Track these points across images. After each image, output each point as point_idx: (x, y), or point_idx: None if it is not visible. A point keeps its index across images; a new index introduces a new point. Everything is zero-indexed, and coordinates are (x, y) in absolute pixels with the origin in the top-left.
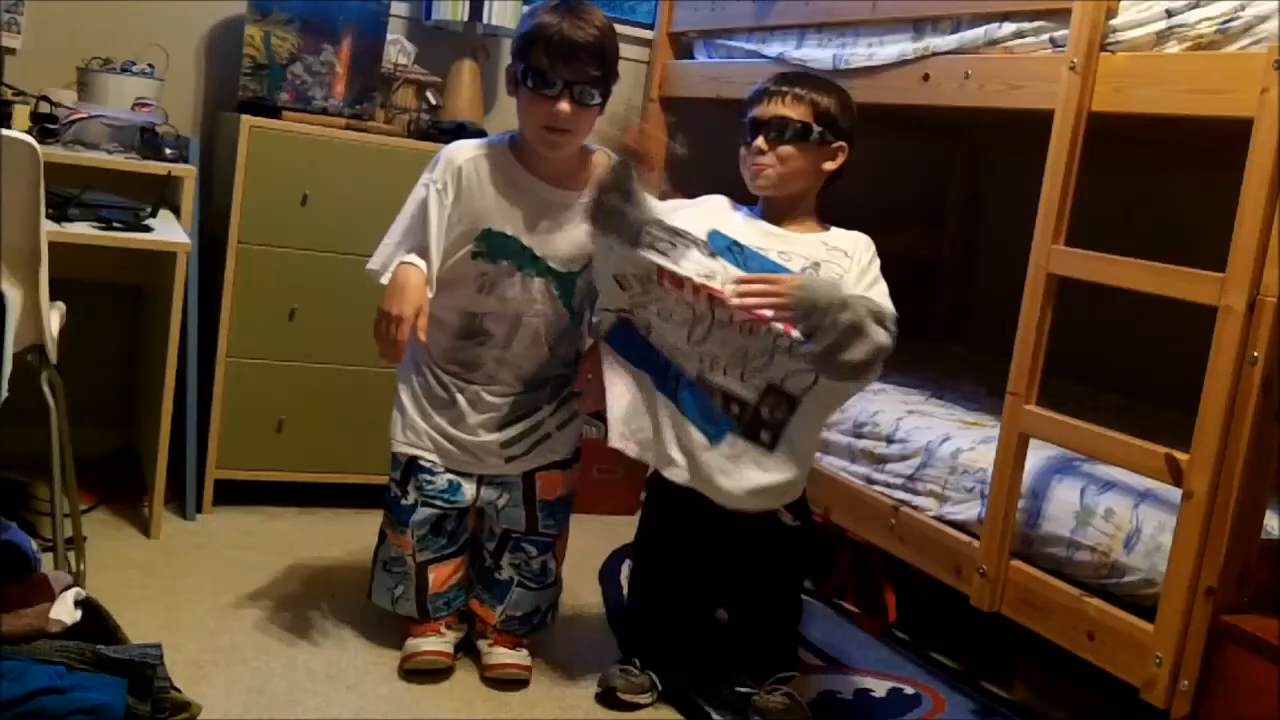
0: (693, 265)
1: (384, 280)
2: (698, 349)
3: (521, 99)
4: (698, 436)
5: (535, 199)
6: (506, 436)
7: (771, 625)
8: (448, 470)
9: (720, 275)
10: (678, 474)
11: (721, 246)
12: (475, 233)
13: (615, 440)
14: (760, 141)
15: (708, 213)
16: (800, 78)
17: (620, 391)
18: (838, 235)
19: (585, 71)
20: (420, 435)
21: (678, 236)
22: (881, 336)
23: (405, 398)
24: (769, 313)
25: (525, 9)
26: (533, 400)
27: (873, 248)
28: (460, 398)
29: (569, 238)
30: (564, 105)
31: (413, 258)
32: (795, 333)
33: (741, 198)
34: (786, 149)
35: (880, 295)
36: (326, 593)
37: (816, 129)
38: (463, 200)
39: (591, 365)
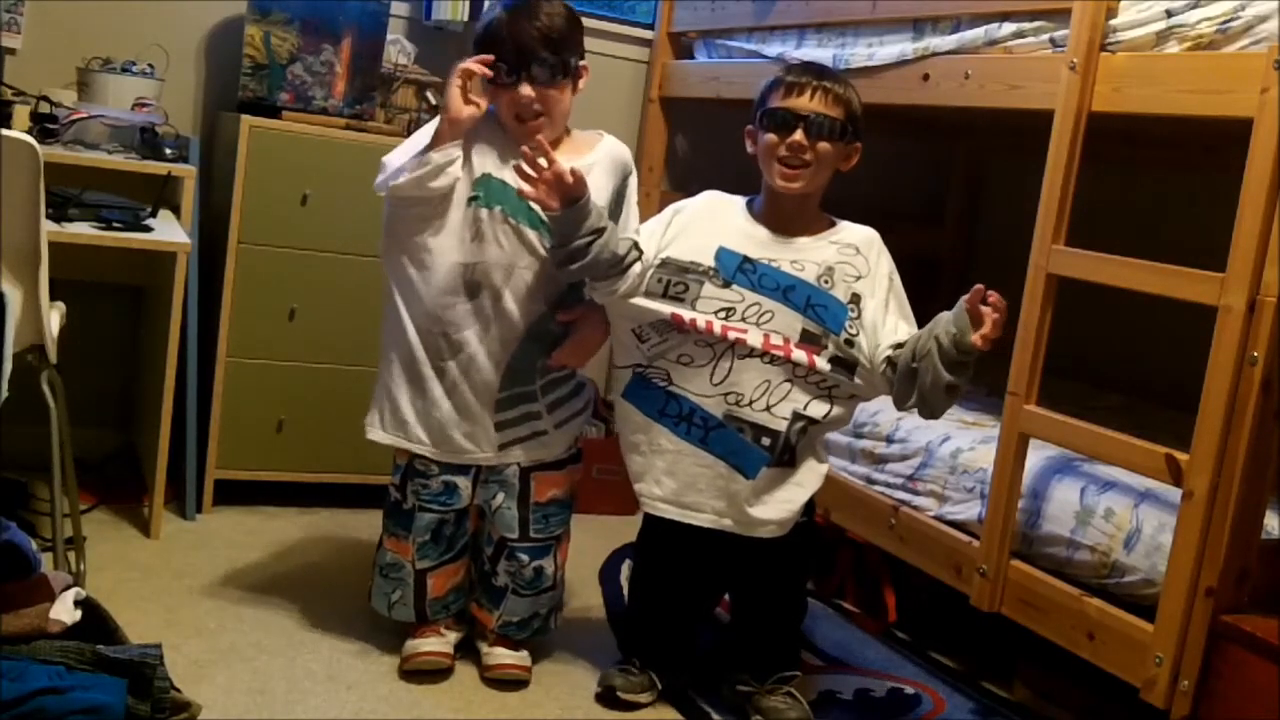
0: (709, 303)
1: (397, 181)
2: (721, 389)
3: (490, 95)
4: (734, 475)
5: None
6: (503, 418)
7: (774, 624)
8: (442, 472)
9: (740, 306)
10: (712, 521)
11: (732, 268)
12: (474, 177)
13: (651, 510)
14: (800, 135)
15: (709, 223)
16: (826, 72)
17: (640, 456)
18: (846, 230)
19: (539, 56)
20: (410, 425)
21: (687, 274)
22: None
23: (391, 373)
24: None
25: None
26: (527, 364)
27: (885, 249)
28: (453, 364)
29: None
30: (525, 90)
31: None
32: (820, 361)
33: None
34: (825, 146)
35: (902, 300)
36: (326, 593)
37: (850, 129)
38: (466, 142)
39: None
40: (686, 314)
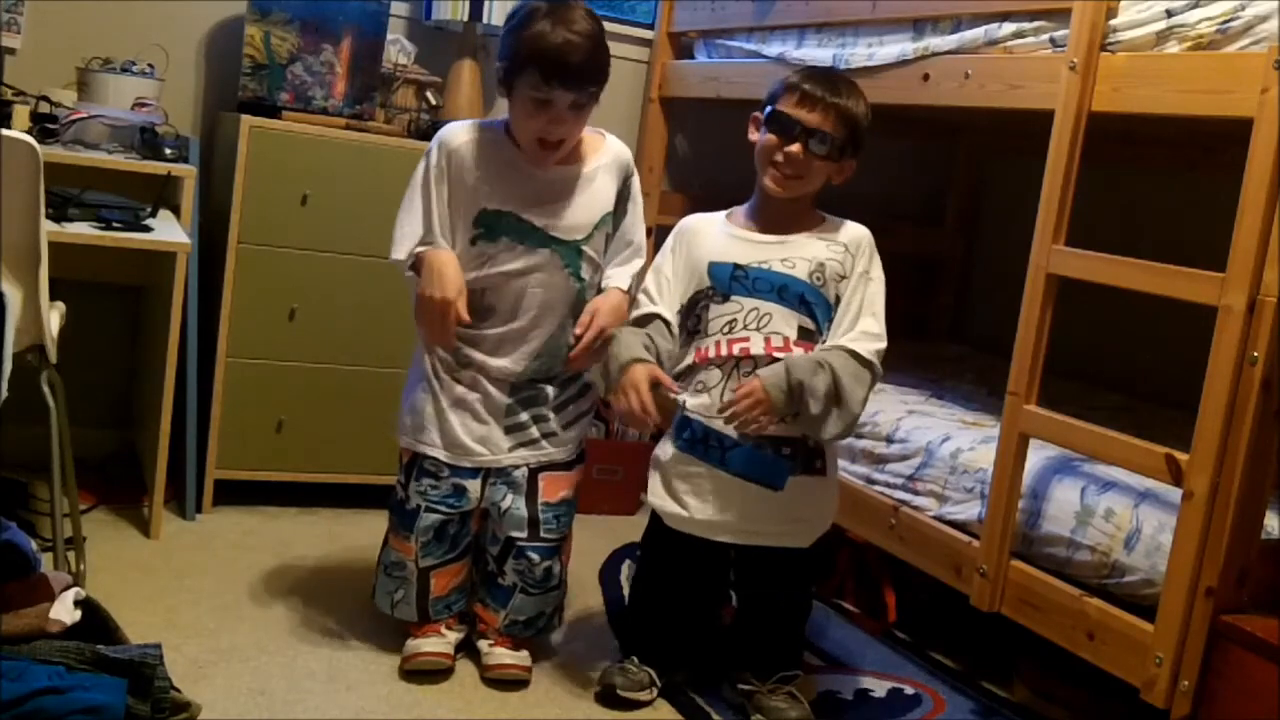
0: (715, 322)
1: (396, 256)
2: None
3: (515, 108)
4: (760, 491)
5: (530, 176)
6: (513, 421)
7: (777, 624)
8: (452, 475)
9: (740, 315)
10: (733, 538)
11: (726, 279)
12: (472, 215)
13: (677, 527)
14: (798, 148)
15: (695, 245)
16: (842, 88)
17: (662, 476)
18: (835, 227)
19: (584, 88)
20: (426, 429)
21: (696, 305)
22: (856, 400)
23: (414, 381)
24: (768, 424)
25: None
26: (539, 377)
27: (873, 244)
28: (465, 374)
29: (569, 208)
30: (562, 120)
31: (437, 240)
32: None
33: (732, 199)
34: (820, 163)
35: (872, 297)
36: (326, 593)
37: (849, 146)
38: (456, 183)
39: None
40: (702, 345)
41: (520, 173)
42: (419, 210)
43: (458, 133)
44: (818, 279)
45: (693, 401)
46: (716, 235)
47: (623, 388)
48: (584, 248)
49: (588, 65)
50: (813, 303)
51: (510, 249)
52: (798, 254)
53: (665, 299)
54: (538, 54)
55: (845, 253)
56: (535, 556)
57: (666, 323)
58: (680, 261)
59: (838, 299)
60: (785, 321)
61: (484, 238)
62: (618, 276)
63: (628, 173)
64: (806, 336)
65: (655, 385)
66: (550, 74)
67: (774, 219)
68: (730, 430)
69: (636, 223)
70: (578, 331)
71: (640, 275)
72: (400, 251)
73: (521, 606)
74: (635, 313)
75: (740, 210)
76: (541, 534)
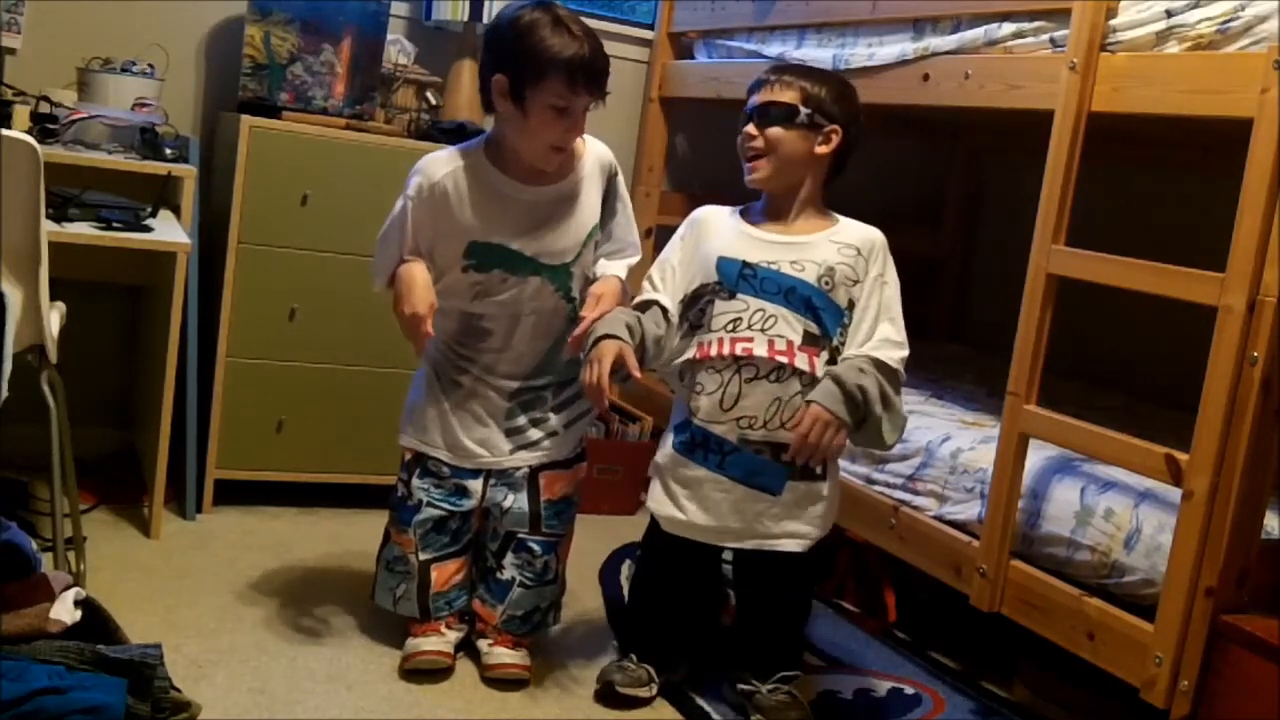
0: (720, 319)
1: (378, 285)
2: (733, 414)
3: (529, 119)
4: (759, 496)
5: (516, 202)
6: (513, 424)
7: (777, 625)
8: (454, 475)
9: (745, 314)
10: (734, 542)
11: (734, 276)
12: (462, 247)
13: (673, 531)
14: (750, 126)
15: (705, 238)
16: (792, 66)
17: (661, 481)
18: (848, 229)
19: (603, 90)
20: (428, 430)
21: (700, 298)
22: (900, 405)
23: (419, 382)
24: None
25: (501, 13)
26: (538, 384)
27: (886, 247)
28: (466, 379)
29: (556, 231)
30: (577, 125)
31: (412, 258)
32: (819, 365)
33: (732, 200)
34: (774, 131)
35: (888, 302)
36: (326, 593)
37: (804, 111)
38: (442, 218)
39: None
40: (705, 341)
41: (505, 200)
42: (395, 244)
43: (437, 165)
44: (826, 283)
45: (692, 404)
46: (728, 230)
47: (588, 360)
48: (573, 268)
49: (606, 66)
50: (820, 308)
51: (502, 280)
52: (807, 256)
53: (668, 287)
54: (563, 62)
55: (857, 256)
56: (536, 548)
57: (664, 310)
58: (689, 251)
59: (850, 303)
60: (790, 325)
61: (476, 268)
62: (614, 267)
63: (611, 172)
64: (811, 342)
65: (618, 368)
66: (577, 80)
67: (781, 219)
68: (729, 434)
69: (629, 223)
70: (583, 314)
71: (636, 271)
72: (379, 282)
73: (519, 600)
74: (636, 299)
75: (753, 207)
76: (543, 529)
